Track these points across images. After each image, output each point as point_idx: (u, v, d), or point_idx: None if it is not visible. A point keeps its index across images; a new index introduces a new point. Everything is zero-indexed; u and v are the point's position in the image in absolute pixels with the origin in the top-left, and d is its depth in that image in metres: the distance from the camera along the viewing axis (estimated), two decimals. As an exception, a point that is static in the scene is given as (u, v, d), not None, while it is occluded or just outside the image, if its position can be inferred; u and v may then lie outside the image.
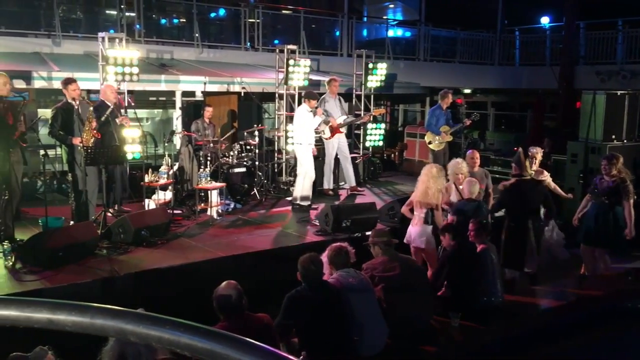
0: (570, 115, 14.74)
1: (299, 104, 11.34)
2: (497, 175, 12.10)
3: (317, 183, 9.77)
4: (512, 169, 7.30)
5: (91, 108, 7.04)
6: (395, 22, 18.83)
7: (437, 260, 6.34)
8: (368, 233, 7.37)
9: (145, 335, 0.87)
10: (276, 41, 14.22)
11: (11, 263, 5.79)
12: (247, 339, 0.83)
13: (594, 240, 7.15)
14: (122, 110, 8.28)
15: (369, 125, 11.27)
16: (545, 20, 19.55)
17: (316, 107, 8.85)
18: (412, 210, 7.03)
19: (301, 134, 8.79)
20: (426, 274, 5.48)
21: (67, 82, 7.18)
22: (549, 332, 5.72)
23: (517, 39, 18.29)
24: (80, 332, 0.91)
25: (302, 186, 8.87)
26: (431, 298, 5.34)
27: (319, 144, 9.93)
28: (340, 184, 10.36)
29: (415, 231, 6.74)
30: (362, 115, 10.50)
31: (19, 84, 8.56)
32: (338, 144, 9.83)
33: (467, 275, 5.59)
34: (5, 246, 5.94)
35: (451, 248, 5.89)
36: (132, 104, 8.97)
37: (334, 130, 9.64)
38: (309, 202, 8.84)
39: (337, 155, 9.88)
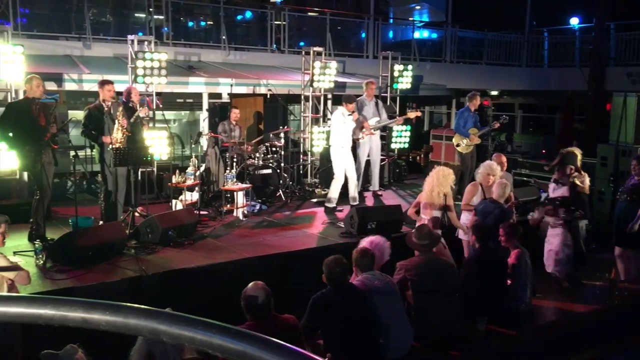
0: (600, 118, 14.50)
1: (325, 105, 11.38)
2: (525, 178, 11.96)
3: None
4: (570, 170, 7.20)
5: (121, 108, 7.13)
6: (422, 24, 18.74)
7: None
8: (394, 235, 7.40)
9: (178, 335, 0.88)
10: (302, 43, 14.27)
11: (42, 261, 5.90)
12: (280, 341, 0.83)
13: (621, 240, 7.04)
14: (150, 113, 8.38)
15: (397, 127, 11.21)
16: (574, 21, 19.27)
17: (353, 112, 8.83)
18: (418, 212, 7.03)
19: (335, 137, 8.79)
20: (459, 279, 5.42)
21: (104, 83, 7.29)
22: (579, 337, 5.63)
23: (545, 40, 18.06)
24: (114, 332, 0.92)
25: (331, 188, 8.88)
26: (462, 302, 5.28)
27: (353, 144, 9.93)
28: (366, 185, 10.33)
29: None
30: (395, 117, 10.40)
31: (51, 86, 8.73)
32: (370, 146, 9.83)
33: (492, 280, 5.53)
34: (36, 245, 6.05)
35: (474, 251, 5.84)
36: (160, 105, 9.07)
37: (366, 132, 9.65)
38: (333, 205, 8.83)
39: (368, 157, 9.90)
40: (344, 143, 8.72)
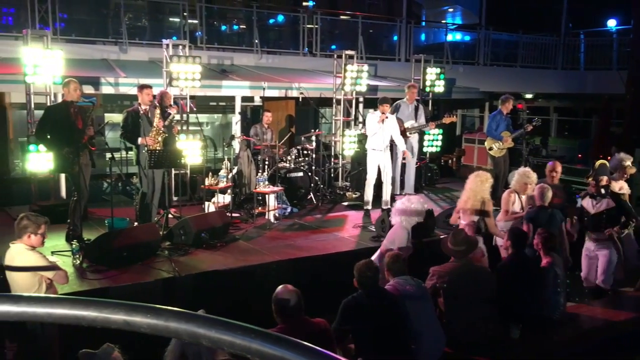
0: (638, 122, 14.15)
1: (356, 109, 11.37)
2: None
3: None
4: (605, 181, 7.03)
5: (158, 111, 7.24)
6: (455, 26, 18.59)
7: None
8: (425, 240, 7.36)
9: (217, 339, 0.89)
10: (334, 46, 14.30)
11: (79, 261, 6.03)
12: (320, 348, 0.84)
13: None
14: (184, 116, 8.48)
15: (430, 131, 11.11)
16: (612, 23, 18.85)
17: (383, 112, 8.77)
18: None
19: (368, 139, 8.79)
20: (494, 286, 5.33)
21: (143, 87, 7.43)
22: (614, 346, 5.50)
23: (582, 43, 17.71)
24: (155, 335, 0.94)
25: (364, 190, 8.87)
26: (495, 310, 5.20)
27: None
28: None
29: None
30: (426, 122, 10.32)
31: (88, 89, 8.91)
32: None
33: (525, 286, 5.43)
34: (73, 245, 6.19)
35: (508, 256, 5.75)
36: (194, 108, 9.19)
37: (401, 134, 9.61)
38: (368, 207, 8.81)
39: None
40: (375, 145, 8.67)
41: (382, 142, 8.63)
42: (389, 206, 8.77)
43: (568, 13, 17.91)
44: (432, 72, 11.58)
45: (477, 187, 6.62)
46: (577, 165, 12.66)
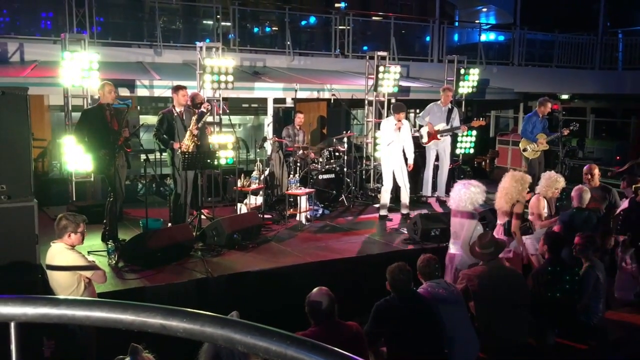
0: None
1: (388, 110, 11.31)
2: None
3: (415, 189, 9.80)
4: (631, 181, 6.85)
5: (195, 116, 7.30)
6: (488, 26, 18.36)
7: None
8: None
9: (253, 345, 0.89)
10: (365, 47, 14.27)
11: (114, 262, 6.14)
12: (354, 356, 0.83)
13: None
14: (217, 117, 8.55)
15: (462, 133, 10.99)
16: (652, 21, 18.39)
17: (400, 120, 8.70)
18: None
19: (384, 147, 8.75)
20: (528, 290, 5.24)
21: (178, 88, 7.50)
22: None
23: (620, 42, 17.29)
24: (191, 339, 0.95)
25: (381, 195, 8.85)
26: (529, 314, 5.10)
27: (421, 150, 9.86)
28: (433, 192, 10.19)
29: None
30: (460, 124, 10.21)
31: (123, 92, 9.07)
32: (437, 151, 9.74)
33: (562, 292, 5.32)
34: (109, 245, 6.30)
35: (545, 261, 5.64)
36: (227, 110, 9.27)
37: (431, 137, 9.56)
38: (385, 212, 8.76)
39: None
40: (390, 152, 8.61)
41: (397, 149, 8.57)
42: (408, 211, 8.70)
43: (606, 11, 17.52)
44: (465, 73, 11.45)
45: (509, 187, 6.47)
46: (615, 167, 12.34)
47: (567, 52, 16.73)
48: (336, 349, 0.85)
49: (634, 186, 6.85)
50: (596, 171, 7.28)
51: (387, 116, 9.01)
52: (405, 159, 8.76)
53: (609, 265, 6.59)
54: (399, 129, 8.42)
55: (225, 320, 0.92)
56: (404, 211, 8.75)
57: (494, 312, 4.88)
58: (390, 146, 8.56)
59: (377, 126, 10.95)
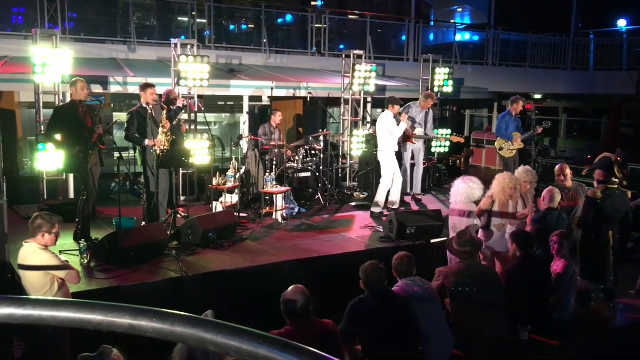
0: (649, 122, 14.07)
1: (364, 109, 11.34)
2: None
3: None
4: (600, 175, 6.95)
5: (165, 111, 7.24)
6: (464, 26, 18.53)
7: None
8: (433, 241, 7.32)
9: (224, 345, 0.88)
10: (342, 46, 14.28)
11: (87, 261, 6.05)
12: (328, 355, 0.82)
13: None
14: (192, 115, 8.47)
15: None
16: (622, 23, 18.72)
17: (400, 113, 8.74)
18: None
19: (385, 141, 8.68)
20: (502, 287, 5.31)
21: (146, 86, 7.43)
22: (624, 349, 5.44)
23: (592, 43, 17.59)
24: (161, 339, 0.93)
25: (385, 193, 8.81)
26: (505, 312, 5.16)
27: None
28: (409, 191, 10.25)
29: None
30: (435, 125, 10.28)
31: (96, 88, 8.94)
32: (412, 150, 9.83)
33: (534, 289, 5.39)
34: (81, 244, 6.20)
35: (516, 260, 5.71)
36: (202, 108, 9.20)
37: (407, 139, 9.56)
38: (380, 210, 8.77)
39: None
40: (394, 147, 8.67)
41: (396, 143, 8.64)
42: (396, 207, 8.74)
43: (578, 13, 17.80)
44: (441, 72, 11.53)
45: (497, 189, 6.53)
46: (586, 166, 12.55)
47: (540, 53, 16.98)
48: (309, 348, 0.84)
49: (597, 179, 6.96)
50: (568, 171, 7.39)
51: (374, 114, 8.98)
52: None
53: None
54: (405, 120, 8.58)
55: (196, 320, 0.90)
56: (392, 207, 8.78)
57: (470, 309, 4.92)
58: (393, 142, 8.62)
59: (354, 125, 10.99)
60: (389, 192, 8.81)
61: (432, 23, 19.15)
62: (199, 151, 8.26)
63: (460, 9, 21.39)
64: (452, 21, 19.22)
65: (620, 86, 15.67)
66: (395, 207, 8.76)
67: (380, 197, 8.80)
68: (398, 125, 8.59)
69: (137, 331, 0.94)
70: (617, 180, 6.97)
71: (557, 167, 7.55)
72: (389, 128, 8.58)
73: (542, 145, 14.39)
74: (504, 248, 6.32)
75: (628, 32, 17.50)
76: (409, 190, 10.09)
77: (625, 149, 11.71)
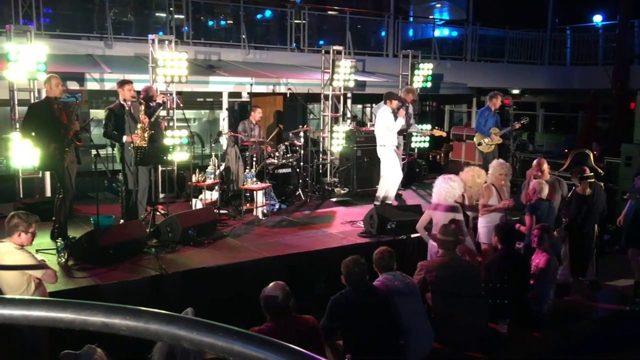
0: (624, 117, 14.27)
1: (344, 104, 11.34)
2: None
3: (371, 183, 9.90)
4: (579, 171, 7.05)
5: (143, 107, 7.16)
6: (442, 22, 18.62)
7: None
8: (413, 235, 7.35)
9: (198, 341, 0.86)
10: (321, 42, 14.26)
11: (64, 260, 5.96)
12: (306, 351, 0.81)
13: (632, 241, 6.90)
14: (171, 112, 8.38)
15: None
16: (598, 19, 18.97)
17: (398, 108, 8.75)
18: None
19: (384, 136, 8.69)
20: (480, 279, 5.37)
21: (123, 82, 7.34)
22: (602, 340, 5.53)
23: (568, 38, 17.79)
24: (135, 337, 0.91)
25: (386, 188, 8.82)
26: (485, 305, 5.21)
27: (375, 144, 9.93)
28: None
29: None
30: (415, 120, 10.32)
31: (73, 85, 8.81)
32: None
33: (514, 281, 5.45)
34: (58, 243, 6.10)
35: (497, 252, 5.77)
36: (181, 104, 9.12)
37: None
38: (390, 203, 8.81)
39: None
40: (394, 141, 8.70)
41: (396, 138, 8.73)
42: (391, 202, 8.79)
43: (554, 8, 17.99)
44: (424, 68, 11.58)
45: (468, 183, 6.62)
46: (563, 160, 12.70)
47: (518, 48, 17.14)
48: (285, 343, 0.83)
49: (579, 176, 7.07)
50: (545, 166, 7.47)
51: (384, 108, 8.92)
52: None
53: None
54: (398, 114, 8.61)
55: (170, 317, 0.89)
56: (376, 202, 8.80)
57: (450, 303, 4.96)
58: (393, 137, 8.65)
59: (334, 120, 10.99)
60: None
61: (411, 19, 19.20)
62: (178, 148, 8.21)
63: (438, 5, 21.49)
64: (431, 17, 19.31)
65: (596, 81, 15.87)
66: (389, 202, 8.81)
67: (382, 192, 8.85)
68: (396, 120, 8.62)
69: (111, 329, 0.92)
70: (601, 172, 7.10)
71: (535, 162, 7.63)
72: (386, 123, 8.61)
73: (520, 139, 14.54)
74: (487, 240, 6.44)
75: (603, 28, 17.73)
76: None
77: (601, 143, 11.89)
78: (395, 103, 8.64)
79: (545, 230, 5.85)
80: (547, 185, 6.74)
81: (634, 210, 6.88)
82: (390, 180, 8.77)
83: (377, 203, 8.73)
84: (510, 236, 5.71)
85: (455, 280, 5.01)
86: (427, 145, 11.81)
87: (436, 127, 10.31)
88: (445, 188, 6.13)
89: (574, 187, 7.27)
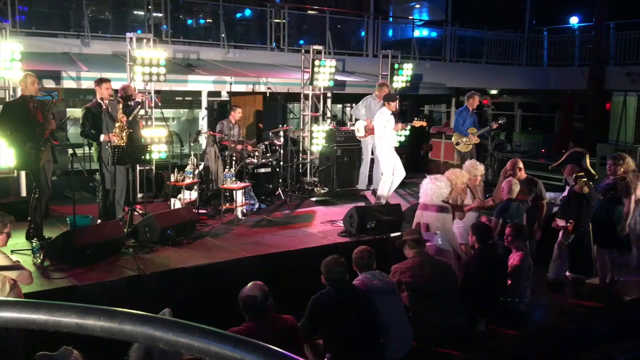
0: (599, 117, 14.51)
1: (324, 104, 11.34)
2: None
3: (351, 183, 9.98)
4: (574, 170, 7.14)
5: (120, 106, 7.09)
6: (422, 22, 18.72)
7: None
8: (393, 234, 7.38)
9: (174, 342, 0.86)
10: (302, 41, 14.25)
11: (40, 260, 5.87)
12: (281, 350, 0.81)
13: (598, 240, 7.03)
14: (149, 111, 8.31)
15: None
16: (574, 20, 19.25)
17: (395, 110, 8.78)
18: None
19: (383, 137, 8.80)
20: (455, 277, 5.42)
21: (101, 81, 7.26)
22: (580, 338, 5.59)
23: (545, 39, 18.02)
24: (110, 338, 0.90)
25: (387, 186, 8.91)
26: (461, 303, 5.25)
27: (357, 143, 9.96)
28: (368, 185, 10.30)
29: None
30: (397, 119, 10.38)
31: (49, 83, 8.69)
32: (373, 145, 9.86)
33: (492, 280, 5.50)
34: (34, 244, 6.01)
35: (475, 251, 5.82)
36: (159, 103, 9.04)
37: (369, 131, 9.63)
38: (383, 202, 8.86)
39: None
40: (391, 142, 8.76)
41: (394, 138, 8.78)
42: (383, 201, 8.84)
43: (532, 10, 18.21)
44: (399, 68, 11.63)
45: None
46: (540, 159, 12.88)
47: (496, 49, 17.30)
48: (261, 342, 0.82)
49: (574, 175, 7.15)
50: (520, 165, 7.54)
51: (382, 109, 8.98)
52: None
53: (535, 254, 6.89)
54: (394, 118, 8.71)
55: (145, 317, 0.88)
56: (378, 201, 8.84)
57: (426, 302, 4.99)
58: (389, 138, 8.69)
59: (314, 120, 10.99)
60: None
61: (390, 19, 19.28)
62: (156, 147, 8.14)
63: (418, 6, 21.61)
64: (410, 17, 19.40)
65: (573, 82, 16.10)
66: (382, 201, 8.86)
67: (383, 192, 8.90)
68: (394, 122, 8.73)
69: (85, 330, 0.91)
70: (594, 173, 7.21)
71: (509, 161, 7.70)
72: (383, 124, 8.73)
73: (498, 139, 14.70)
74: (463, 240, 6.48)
75: (580, 29, 18.00)
76: (367, 186, 10.15)
77: (576, 143, 12.07)
78: (392, 105, 8.67)
79: (517, 229, 5.91)
80: (518, 184, 6.82)
81: (599, 209, 6.99)
82: (390, 178, 8.85)
83: (382, 202, 8.79)
84: (487, 235, 5.76)
85: (429, 279, 5.05)
86: (404, 140, 11.74)
87: (416, 118, 10.35)
88: (432, 188, 6.17)
89: (568, 187, 7.34)
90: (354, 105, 12.90)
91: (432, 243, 6.05)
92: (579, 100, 16.67)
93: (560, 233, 7.08)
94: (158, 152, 8.53)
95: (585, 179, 6.98)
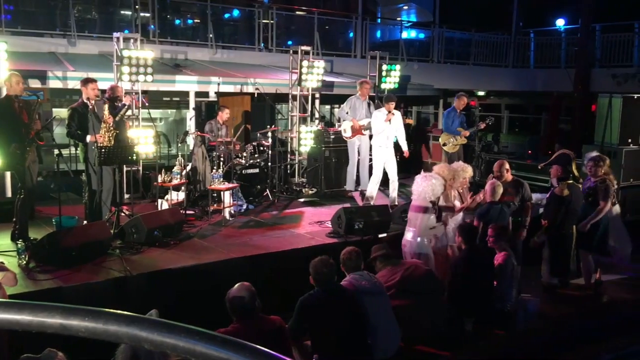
0: (585, 119, 14.61)
1: (312, 105, 11.34)
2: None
3: (339, 184, 9.99)
4: (558, 171, 7.18)
5: (106, 106, 7.04)
6: (410, 24, 18.78)
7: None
8: (381, 235, 7.40)
9: (159, 342, 0.85)
10: (290, 42, 14.24)
11: (25, 262, 5.81)
12: (267, 350, 0.80)
13: (581, 242, 7.08)
14: (137, 111, 8.26)
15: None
16: (560, 23, 19.38)
17: (390, 112, 8.79)
18: None
19: (374, 137, 8.89)
20: (436, 278, 5.45)
21: (87, 81, 7.19)
22: (566, 338, 5.64)
23: (532, 41, 18.14)
24: (94, 338, 0.89)
25: (369, 186, 9.00)
26: (443, 302, 5.28)
27: (345, 144, 9.97)
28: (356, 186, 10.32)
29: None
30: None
31: (35, 83, 8.61)
32: (360, 146, 9.88)
33: (478, 281, 5.53)
34: (19, 245, 5.95)
35: (461, 252, 5.84)
36: (146, 104, 8.99)
37: (355, 131, 9.64)
38: (371, 203, 8.89)
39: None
40: (381, 142, 8.78)
41: (387, 139, 8.77)
42: (396, 203, 8.85)
43: (519, 12, 18.32)
44: (387, 69, 11.66)
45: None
46: (527, 160, 12.94)
47: (483, 51, 17.39)
48: (248, 343, 0.82)
49: (557, 177, 7.18)
50: (506, 166, 7.58)
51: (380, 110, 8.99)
52: (399, 150, 9.13)
53: (522, 254, 6.92)
54: (389, 120, 8.63)
55: (130, 318, 0.87)
56: (392, 204, 8.84)
57: (413, 303, 5.00)
58: (382, 138, 8.70)
59: (302, 121, 10.99)
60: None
61: (378, 20, 19.32)
62: (143, 148, 8.09)
63: (406, 7, 21.65)
64: (398, 19, 19.46)
65: (559, 83, 16.21)
66: (370, 202, 8.87)
67: (371, 192, 8.98)
68: (390, 122, 8.72)
69: (69, 331, 0.90)
70: (577, 176, 7.25)
71: (495, 164, 7.72)
72: (378, 124, 8.78)
73: (485, 140, 14.75)
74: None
75: (566, 32, 18.13)
76: (354, 187, 10.17)
77: (562, 144, 12.14)
78: (389, 106, 8.68)
79: (500, 229, 5.94)
80: (501, 187, 6.84)
81: (581, 212, 7.04)
82: (380, 177, 8.96)
83: (371, 202, 8.83)
84: (473, 236, 5.79)
85: (415, 281, 5.08)
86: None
87: (403, 116, 10.39)
88: (426, 186, 6.18)
89: (552, 188, 7.39)
90: (341, 106, 12.92)
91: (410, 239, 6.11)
92: (565, 102, 16.78)
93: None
94: (145, 153, 8.47)
95: (569, 182, 7.03)
